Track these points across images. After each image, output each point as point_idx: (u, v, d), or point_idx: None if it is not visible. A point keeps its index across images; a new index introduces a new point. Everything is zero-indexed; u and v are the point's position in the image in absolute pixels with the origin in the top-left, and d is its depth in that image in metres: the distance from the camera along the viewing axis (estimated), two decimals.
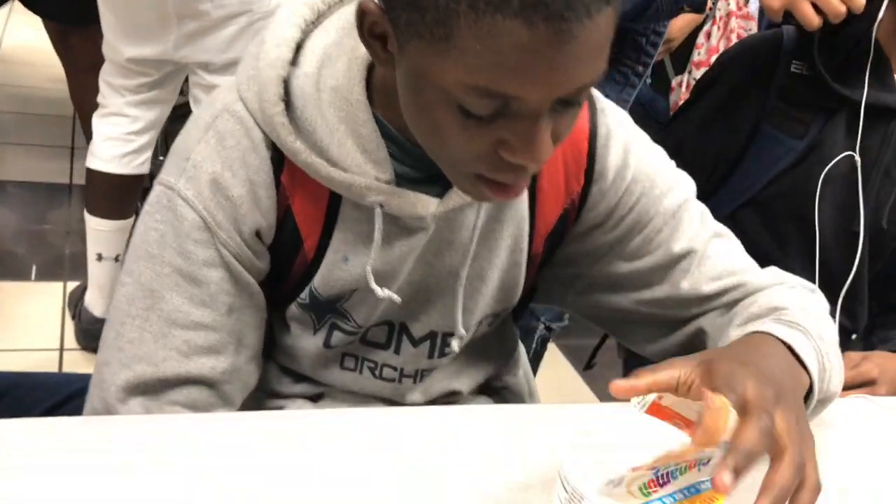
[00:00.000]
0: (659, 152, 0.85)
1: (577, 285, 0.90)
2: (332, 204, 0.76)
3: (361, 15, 0.63)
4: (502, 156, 0.62)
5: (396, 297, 0.79)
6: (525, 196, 0.81)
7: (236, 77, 0.75)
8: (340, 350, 0.87)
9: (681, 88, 2.43)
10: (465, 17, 0.55)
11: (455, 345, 0.85)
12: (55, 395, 0.94)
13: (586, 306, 0.91)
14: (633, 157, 0.82)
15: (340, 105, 0.71)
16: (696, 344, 0.85)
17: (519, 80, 0.57)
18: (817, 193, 1.15)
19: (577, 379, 2.41)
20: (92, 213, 2.02)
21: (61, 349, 2.12)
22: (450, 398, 0.94)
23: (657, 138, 0.86)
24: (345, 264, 0.78)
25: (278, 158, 0.74)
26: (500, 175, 0.65)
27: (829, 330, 0.78)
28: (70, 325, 2.18)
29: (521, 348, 1.04)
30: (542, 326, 1.86)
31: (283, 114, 0.71)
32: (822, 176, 1.15)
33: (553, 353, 2.26)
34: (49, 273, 2.39)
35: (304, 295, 0.81)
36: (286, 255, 0.79)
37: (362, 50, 0.70)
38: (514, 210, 0.81)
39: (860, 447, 0.85)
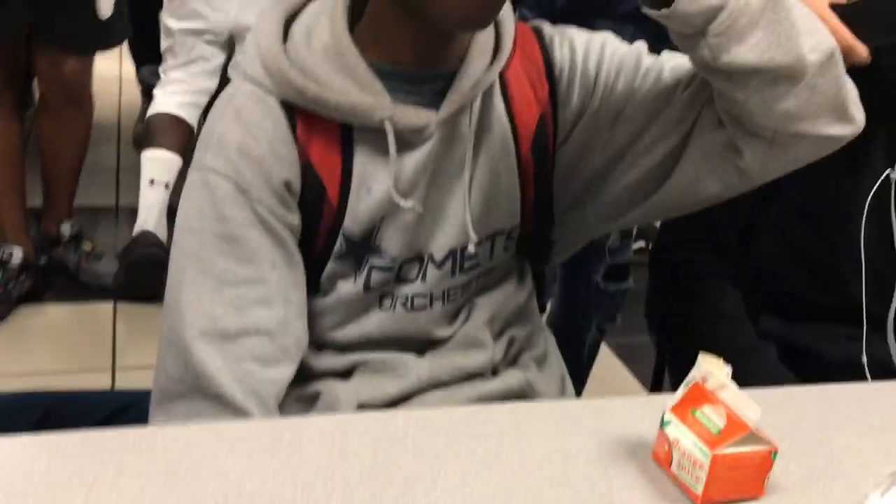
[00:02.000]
0: (601, 33, 0.94)
1: (592, 190, 0.95)
2: (346, 141, 0.84)
3: None
4: None
5: (419, 206, 0.87)
6: (501, 106, 0.91)
7: (239, 69, 0.85)
8: (378, 292, 0.93)
9: None
10: None
11: (471, 247, 0.91)
12: (102, 410, 0.94)
13: (612, 202, 0.94)
14: (578, 41, 0.92)
15: (333, 59, 0.82)
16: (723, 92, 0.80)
17: None
18: (865, 210, 1.12)
19: (627, 378, 2.38)
20: (149, 146, 2.36)
21: (113, 369, 2.15)
22: (474, 356, 0.97)
23: None
24: (369, 195, 0.86)
25: (291, 116, 0.83)
26: None
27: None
28: (120, 346, 2.22)
29: (542, 321, 1.09)
30: (594, 328, 1.84)
31: (286, 60, 0.82)
32: (870, 196, 1.12)
33: (604, 352, 2.23)
34: (97, 294, 2.42)
35: (339, 243, 0.88)
36: (314, 207, 0.86)
37: (340, 13, 0.82)
38: (496, 116, 0.90)
39: None
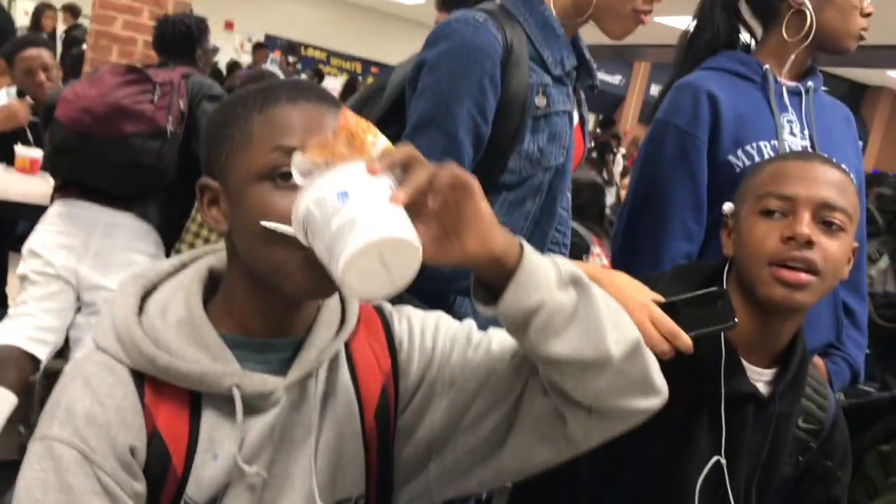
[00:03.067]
0: (435, 312, 1.02)
1: (434, 456, 0.97)
2: (194, 408, 0.86)
3: (201, 192, 0.89)
4: None
5: (264, 472, 0.88)
6: (346, 372, 0.95)
7: (92, 338, 0.87)
8: None
9: None
10: (255, 118, 0.85)
11: None
12: None
13: (452, 467, 0.96)
14: (415, 318, 1.00)
15: (186, 331, 0.86)
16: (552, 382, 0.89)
17: (299, 137, 0.83)
18: (697, 489, 1.18)
19: None
20: None
21: None
22: None
23: None
24: (214, 461, 0.86)
25: (140, 384, 0.85)
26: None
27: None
28: None
29: None
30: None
31: (139, 330, 0.86)
32: (700, 479, 1.18)
33: None
34: None
35: None
36: (158, 474, 0.85)
37: (195, 289, 0.90)
38: (342, 384, 0.95)
39: None
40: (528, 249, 0.84)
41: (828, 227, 1.14)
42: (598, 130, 10.37)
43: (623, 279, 1.14)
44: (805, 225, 1.12)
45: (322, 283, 0.80)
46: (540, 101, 1.23)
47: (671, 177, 1.50)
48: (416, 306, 1.03)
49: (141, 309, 0.89)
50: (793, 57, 1.55)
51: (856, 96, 12.55)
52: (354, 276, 0.73)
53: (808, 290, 1.13)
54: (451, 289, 1.23)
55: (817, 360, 1.56)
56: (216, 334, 0.87)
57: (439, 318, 1.01)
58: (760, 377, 1.22)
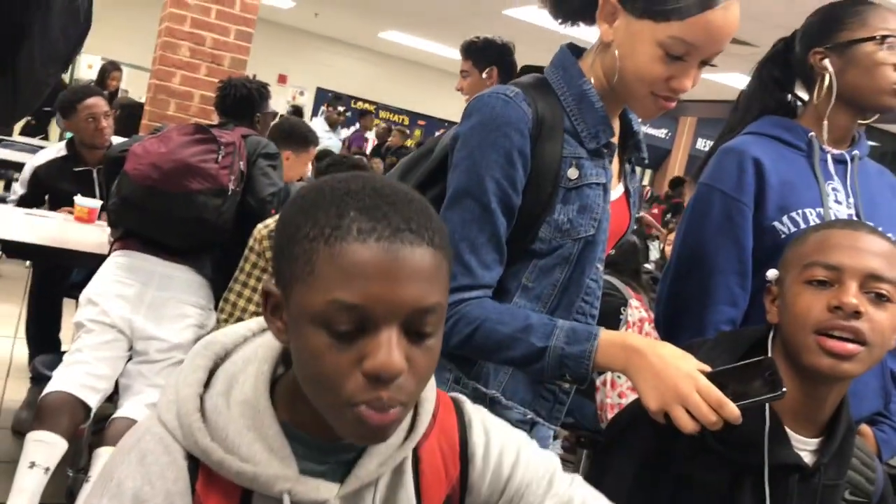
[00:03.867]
0: (517, 432, 0.97)
1: None
2: (244, 502, 0.83)
3: (266, 297, 0.82)
4: (364, 369, 0.74)
5: None
6: (410, 481, 0.90)
7: (157, 407, 0.85)
8: None
9: (605, 387, 2.51)
10: (321, 250, 0.74)
11: None
12: None
13: None
14: (495, 432, 0.95)
15: (249, 414, 0.83)
16: None
17: (362, 289, 0.73)
18: None
19: None
20: (37, 427, 2.28)
21: None
22: None
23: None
24: None
25: (194, 468, 0.82)
26: (368, 394, 0.74)
27: None
28: None
29: None
30: None
31: (199, 419, 0.82)
32: None
33: None
34: None
35: None
36: None
37: (266, 368, 0.85)
38: (404, 492, 0.89)
39: None
40: None
41: (877, 298, 1.14)
42: (669, 191, 10.20)
43: (667, 350, 1.13)
44: (852, 295, 1.12)
45: (368, 439, 0.79)
46: (572, 172, 1.25)
47: (716, 242, 1.50)
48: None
49: (210, 379, 0.86)
50: (826, 122, 1.55)
51: None
52: None
53: (855, 361, 1.13)
54: (498, 358, 1.23)
55: (865, 429, 1.53)
56: (277, 425, 0.83)
57: (521, 445, 0.95)
58: (805, 447, 1.21)
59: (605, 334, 1.16)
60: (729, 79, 9.49)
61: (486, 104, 1.23)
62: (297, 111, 8.37)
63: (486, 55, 3.38)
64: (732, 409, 1.06)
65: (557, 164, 1.24)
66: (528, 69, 1.36)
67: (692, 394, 1.07)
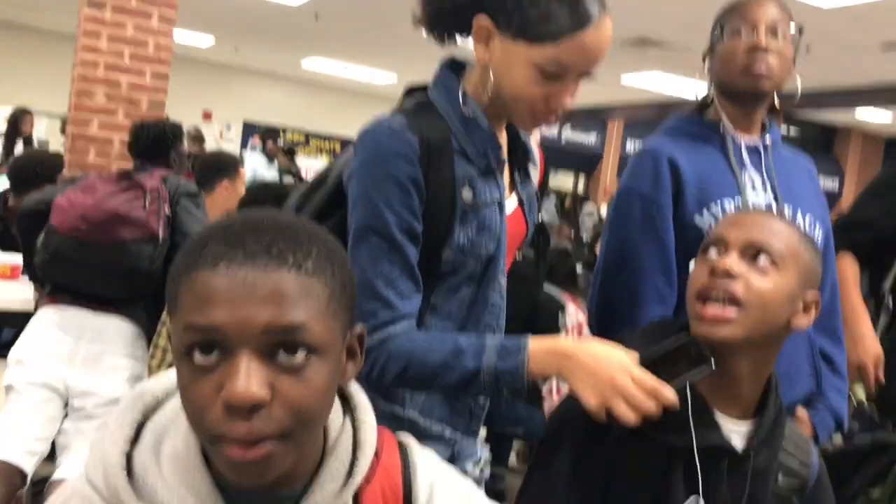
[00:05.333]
0: (464, 482, 0.94)
1: None
2: None
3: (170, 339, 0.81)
4: (221, 397, 0.72)
5: None
6: None
7: (84, 466, 0.82)
8: None
9: (552, 396, 2.59)
10: (182, 282, 0.75)
11: None
12: None
13: None
14: (441, 483, 0.90)
15: (180, 470, 0.80)
16: None
17: (213, 313, 0.72)
18: None
19: None
20: None
21: None
22: None
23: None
24: None
25: None
26: (228, 426, 0.72)
27: None
28: None
29: None
30: None
31: (125, 480, 0.79)
32: None
33: None
34: None
35: None
36: None
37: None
38: None
39: None
40: None
41: (754, 261, 1.17)
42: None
43: (596, 346, 1.15)
44: (729, 259, 1.16)
45: (243, 479, 0.75)
46: (466, 194, 1.26)
47: (639, 243, 1.53)
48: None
49: (138, 434, 0.83)
50: (724, 112, 1.59)
51: (828, 137, 12.78)
52: None
53: (733, 324, 1.15)
54: (436, 387, 1.23)
55: (801, 413, 1.56)
56: (210, 481, 0.80)
57: (470, 496, 0.93)
58: (736, 431, 1.22)
59: (534, 343, 1.17)
60: (648, 79, 9.69)
61: (373, 138, 1.24)
62: (199, 137, 8.24)
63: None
64: (668, 394, 1.09)
65: (451, 188, 1.25)
66: (412, 90, 1.37)
67: (628, 384, 1.09)
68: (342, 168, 1.31)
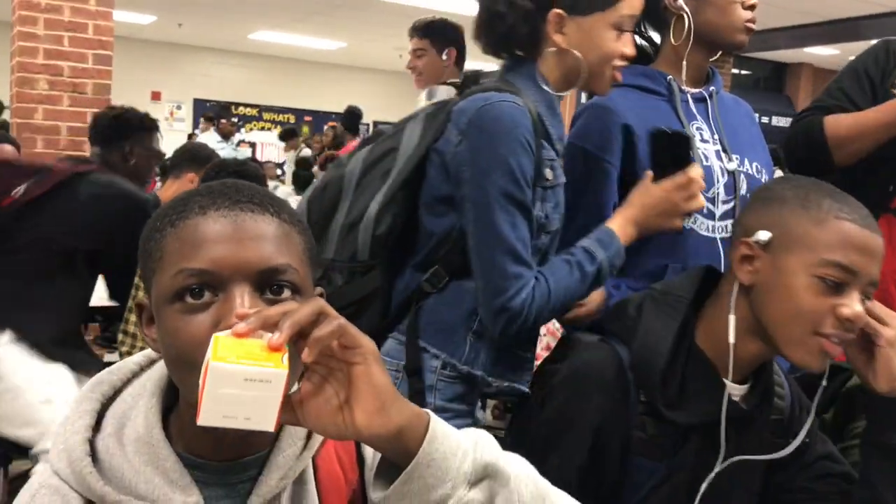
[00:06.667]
0: None
1: None
2: None
3: (139, 310, 0.85)
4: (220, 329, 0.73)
5: None
6: (313, 490, 0.88)
7: (49, 458, 0.83)
8: None
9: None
10: (168, 234, 0.79)
11: None
12: None
13: None
14: None
15: (144, 450, 0.81)
16: None
17: (207, 254, 0.77)
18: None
19: None
20: None
21: None
22: None
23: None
24: None
25: None
26: None
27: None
28: None
29: None
30: None
31: (90, 465, 0.80)
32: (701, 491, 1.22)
33: None
34: None
35: None
36: None
37: (155, 402, 0.84)
38: (308, 498, 0.87)
39: None
40: (437, 431, 0.75)
41: (867, 297, 1.16)
42: None
43: (636, 198, 1.44)
44: (857, 302, 1.13)
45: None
46: (549, 173, 1.39)
47: (578, 200, 1.52)
48: None
49: (100, 422, 0.84)
50: (685, 62, 1.58)
51: (779, 75, 12.89)
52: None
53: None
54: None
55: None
56: (174, 456, 0.81)
57: None
58: (737, 393, 1.24)
59: (612, 225, 1.42)
60: None
61: (500, 111, 1.34)
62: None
63: (447, 36, 3.40)
64: (695, 171, 1.42)
65: (539, 166, 1.37)
66: (470, 76, 1.50)
67: (675, 194, 1.42)
68: (417, 145, 1.41)
